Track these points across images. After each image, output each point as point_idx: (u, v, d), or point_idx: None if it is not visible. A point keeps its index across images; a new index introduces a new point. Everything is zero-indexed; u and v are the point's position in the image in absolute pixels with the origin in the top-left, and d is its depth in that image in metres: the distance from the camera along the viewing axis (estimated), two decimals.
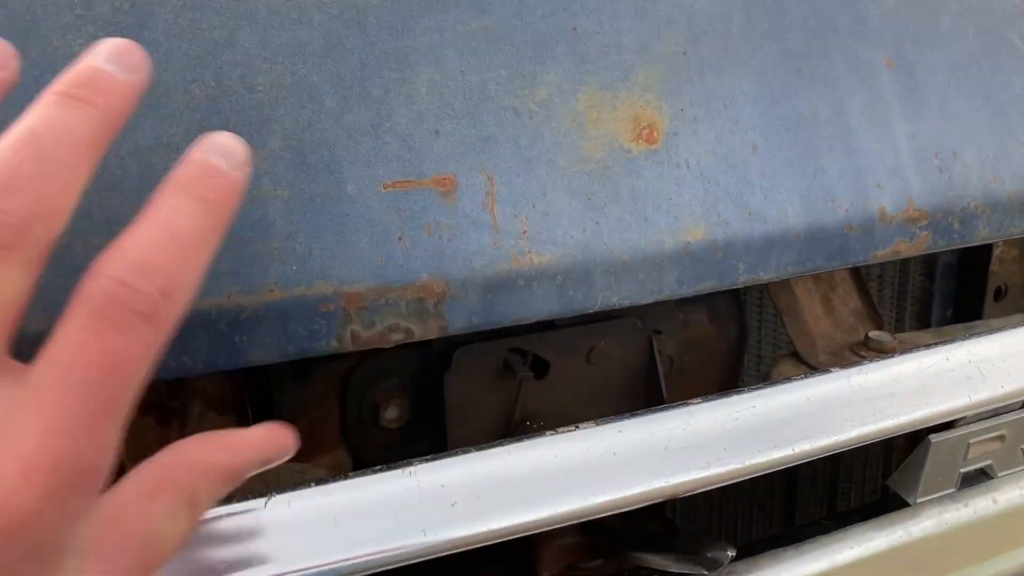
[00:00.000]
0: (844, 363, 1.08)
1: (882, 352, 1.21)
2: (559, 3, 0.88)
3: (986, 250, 1.49)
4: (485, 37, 0.85)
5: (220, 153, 0.59)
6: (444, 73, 0.82)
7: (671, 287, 0.91)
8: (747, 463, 0.89)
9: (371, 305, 0.77)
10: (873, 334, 1.23)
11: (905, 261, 1.52)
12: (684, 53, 0.93)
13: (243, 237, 0.73)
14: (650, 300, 0.90)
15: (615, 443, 0.84)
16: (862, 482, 1.65)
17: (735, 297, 1.25)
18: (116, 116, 0.56)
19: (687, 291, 0.92)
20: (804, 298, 1.28)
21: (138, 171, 0.72)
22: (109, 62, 0.56)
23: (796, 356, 1.22)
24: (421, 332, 0.79)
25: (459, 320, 0.81)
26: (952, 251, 1.59)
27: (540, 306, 0.84)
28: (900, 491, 1.17)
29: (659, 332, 1.10)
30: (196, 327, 0.71)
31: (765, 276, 0.96)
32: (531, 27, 0.86)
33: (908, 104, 1.06)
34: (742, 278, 0.95)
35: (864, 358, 1.19)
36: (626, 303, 0.89)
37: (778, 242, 0.96)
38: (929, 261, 1.54)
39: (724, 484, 0.89)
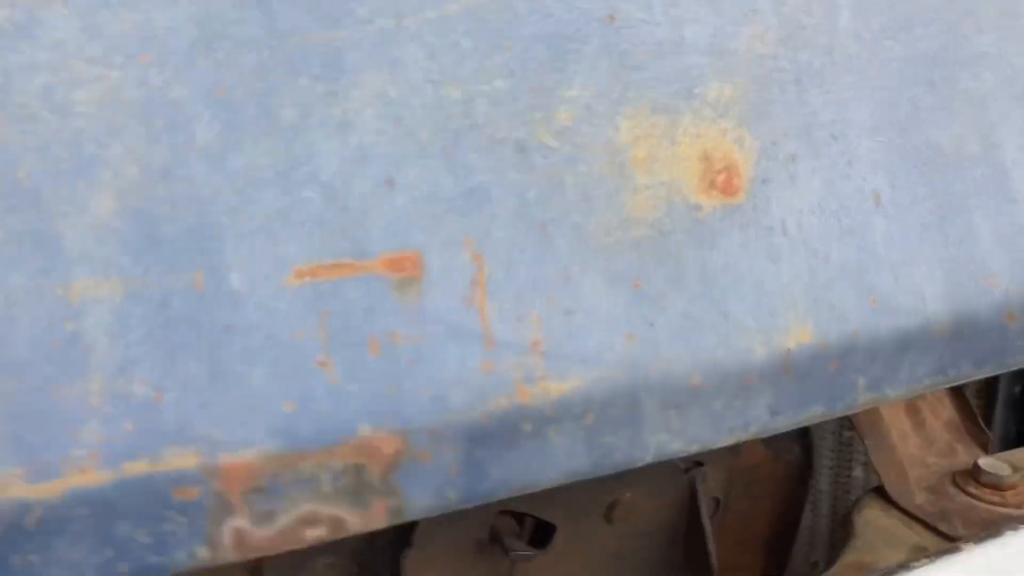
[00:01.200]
0: (969, 529, 0.81)
1: (1000, 490, 0.92)
2: None
3: None
4: (470, 27, 0.54)
5: None
6: (402, 83, 0.52)
7: (760, 420, 0.61)
8: None
9: (268, 485, 0.46)
10: (984, 463, 0.94)
11: None
12: (774, 57, 0.63)
13: (35, 373, 0.42)
14: (730, 442, 0.59)
15: None
16: None
17: None
18: None
19: (783, 424, 0.62)
20: (887, 410, 0.99)
21: None
22: None
23: (883, 495, 0.93)
24: (359, 522, 0.49)
25: (424, 497, 0.51)
26: None
27: (560, 464, 0.55)
28: None
29: (700, 464, 0.82)
30: None
31: (894, 393, 0.67)
32: (543, 12, 0.57)
33: None
34: (862, 398, 0.65)
35: (978, 499, 0.92)
36: (694, 448, 0.58)
37: (915, 343, 0.66)
38: None
39: None
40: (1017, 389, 1.47)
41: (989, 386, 1.44)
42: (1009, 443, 1.42)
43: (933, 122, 0.71)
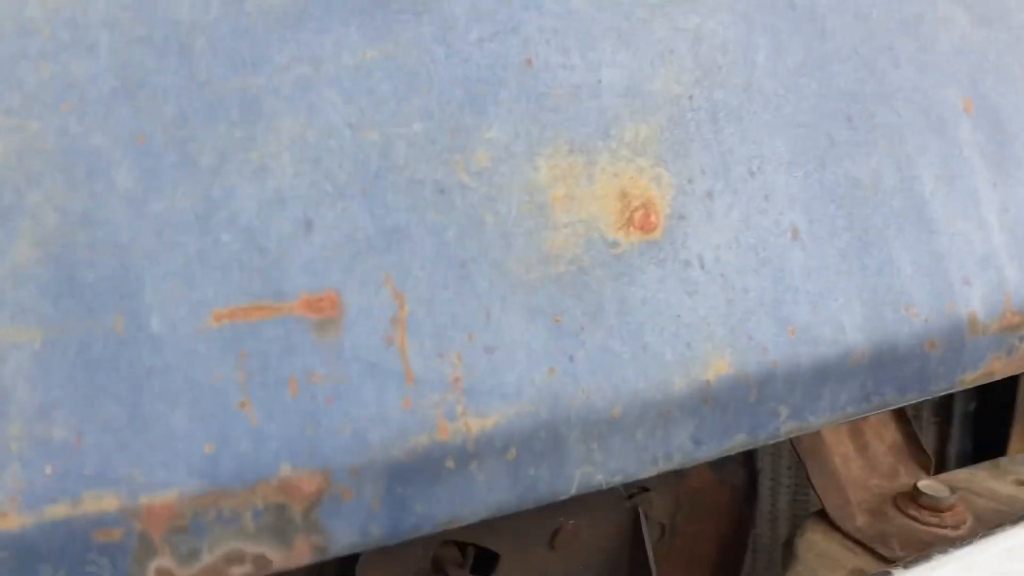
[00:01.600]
0: (906, 551, 0.84)
1: (938, 511, 0.95)
2: (503, 22, 0.60)
3: None
4: (388, 72, 0.57)
5: None
6: (321, 127, 0.54)
7: (684, 450, 0.63)
8: None
9: (191, 524, 0.47)
10: (924, 485, 0.97)
11: None
12: (690, 97, 0.66)
13: None
14: (654, 472, 0.61)
15: None
16: None
17: None
18: None
19: (707, 453, 0.64)
20: (830, 434, 1.02)
21: None
22: None
23: (826, 518, 0.96)
24: (283, 559, 0.50)
25: (348, 533, 0.52)
26: None
27: (483, 498, 0.56)
28: None
29: (646, 489, 0.84)
30: None
31: (817, 421, 0.69)
32: (461, 57, 0.59)
33: (995, 162, 0.80)
34: (784, 427, 0.67)
35: (917, 520, 0.95)
36: (617, 479, 0.60)
37: (834, 371, 0.68)
38: None
39: None
40: (972, 407, 1.49)
41: (945, 404, 1.47)
42: (966, 460, 1.45)
43: (851, 155, 0.74)
